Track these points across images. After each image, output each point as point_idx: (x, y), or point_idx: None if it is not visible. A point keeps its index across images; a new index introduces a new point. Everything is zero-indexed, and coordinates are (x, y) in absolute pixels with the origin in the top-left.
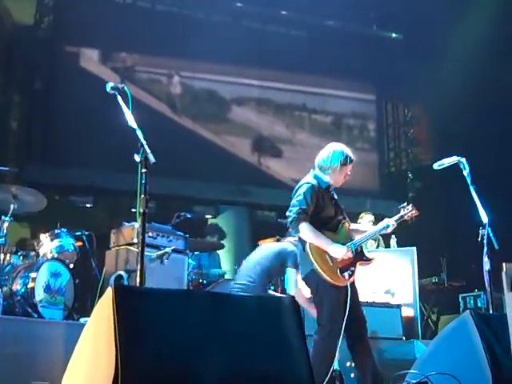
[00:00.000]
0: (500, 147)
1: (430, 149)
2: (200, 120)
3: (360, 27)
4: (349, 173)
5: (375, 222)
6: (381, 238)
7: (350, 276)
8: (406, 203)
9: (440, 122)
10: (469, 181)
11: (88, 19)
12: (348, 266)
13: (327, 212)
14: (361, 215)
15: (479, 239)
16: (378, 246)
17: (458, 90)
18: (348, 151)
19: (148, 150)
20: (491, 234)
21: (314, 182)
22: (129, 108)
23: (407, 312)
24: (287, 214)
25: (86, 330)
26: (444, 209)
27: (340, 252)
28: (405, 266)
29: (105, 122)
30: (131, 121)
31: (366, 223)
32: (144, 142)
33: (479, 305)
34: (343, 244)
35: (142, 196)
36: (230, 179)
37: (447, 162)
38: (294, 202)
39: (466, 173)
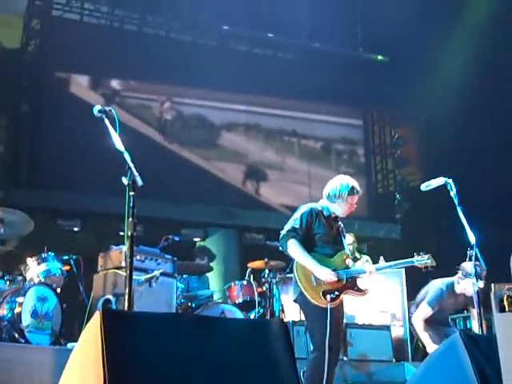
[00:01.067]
0: (488, 166)
1: (417, 170)
2: (189, 145)
3: (346, 50)
4: (355, 204)
5: (360, 243)
6: (369, 258)
7: (333, 300)
8: (423, 252)
9: (427, 143)
10: (456, 201)
11: (75, 43)
12: (333, 290)
13: (324, 238)
14: None
15: (467, 260)
16: None
17: (444, 110)
18: (355, 183)
19: (135, 173)
20: (479, 255)
21: (317, 207)
22: (116, 131)
23: (397, 334)
24: (281, 231)
25: (74, 355)
26: (432, 229)
27: (324, 274)
28: (394, 287)
29: (92, 145)
30: (118, 144)
31: (348, 243)
32: (131, 165)
33: (469, 326)
34: (335, 270)
35: (130, 219)
36: (217, 202)
37: (435, 183)
38: (290, 220)
39: (453, 193)
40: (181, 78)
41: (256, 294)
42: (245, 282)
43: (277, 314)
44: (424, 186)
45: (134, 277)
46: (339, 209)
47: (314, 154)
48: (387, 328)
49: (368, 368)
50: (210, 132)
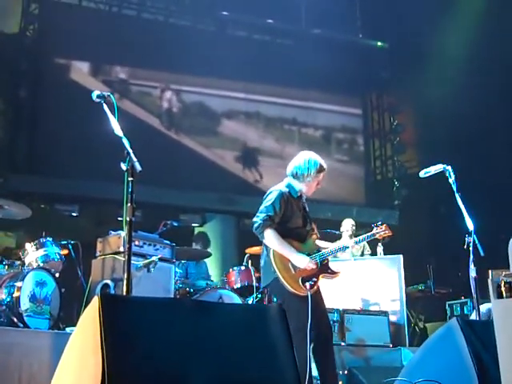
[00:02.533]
0: (486, 154)
1: (416, 156)
2: (190, 133)
3: (346, 36)
4: (321, 181)
5: (359, 229)
6: (367, 244)
7: (312, 286)
8: (379, 223)
9: (426, 129)
10: (454, 188)
11: (73, 27)
12: (310, 276)
13: (295, 222)
14: (342, 222)
15: (465, 246)
16: (363, 253)
17: (443, 97)
18: (320, 159)
19: (134, 159)
20: (477, 241)
21: (285, 190)
22: (115, 116)
23: (394, 319)
24: (254, 219)
25: (72, 340)
26: (430, 216)
27: (303, 262)
28: (391, 273)
29: (91, 131)
30: (117, 129)
31: (346, 228)
32: (130, 151)
33: (466, 312)
34: (308, 255)
35: (129, 205)
36: (216, 188)
37: (433, 169)
38: (262, 208)
39: (451, 180)
40: (180, 64)
41: (254, 279)
42: (243, 268)
43: (275, 300)
44: (423, 173)
45: (132, 262)
46: (306, 188)
47: (314, 142)
48: (384, 314)
49: (365, 353)
50: (210, 120)
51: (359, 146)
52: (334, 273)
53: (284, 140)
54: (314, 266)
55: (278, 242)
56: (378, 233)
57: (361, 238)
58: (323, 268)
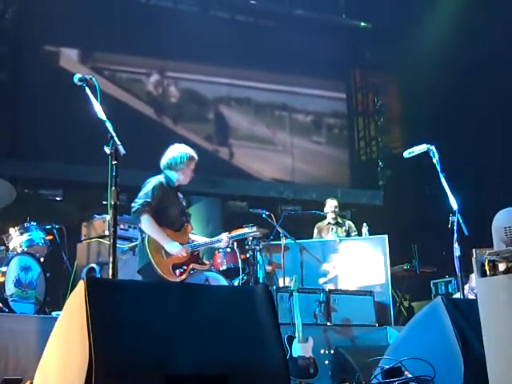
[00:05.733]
0: (469, 134)
1: (400, 137)
2: (179, 119)
3: (329, 16)
4: (193, 170)
5: (344, 209)
6: (353, 225)
7: (181, 273)
8: (251, 224)
9: (410, 110)
10: (438, 168)
11: (54, 10)
12: (181, 264)
13: (172, 211)
14: (325, 202)
15: (449, 226)
16: (348, 233)
17: (428, 77)
18: (190, 150)
19: (118, 142)
20: (461, 221)
21: (164, 180)
22: (97, 100)
23: (380, 299)
24: (132, 204)
25: (59, 324)
26: (415, 196)
27: (175, 249)
28: (377, 253)
29: (74, 114)
30: (100, 112)
31: (329, 208)
32: (114, 134)
33: (450, 290)
34: (181, 244)
35: (113, 188)
36: (201, 171)
37: (417, 149)
38: (140, 194)
39: (435, 160)
40: (167, 49)
41: (240, 261)
42: (228, 250)
43: (261, 281)
44: (407, 153)
45: (117, 245)
46: (182, 176)
47: (305, 127)
48: (370, 293)
49: (351, 332)
50: (199, 105)
51: (343, 127)
52: (203, 264)
53: (275, 126)
54: (185, 255)
55: (153, 228)
56: (248, 233)
57: (233, 234)
58: (194, 258)
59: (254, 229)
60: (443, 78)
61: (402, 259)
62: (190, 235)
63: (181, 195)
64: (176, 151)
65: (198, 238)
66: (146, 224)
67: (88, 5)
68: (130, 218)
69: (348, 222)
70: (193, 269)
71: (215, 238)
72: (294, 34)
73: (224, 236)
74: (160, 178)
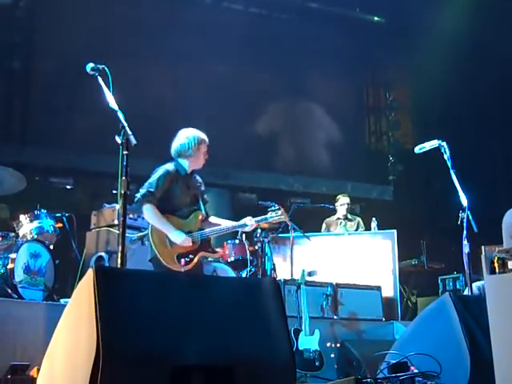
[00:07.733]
0: (481, 131)
1: (411, 132)
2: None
3: (343, 10)
4: (206, 153)
5: (353, 204)
6: (362, 222)
7: (187, 263)
8: (277, 206)
9: (422, 106)
10: (449, 164)
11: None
12: (187, 253)
13: (180, 200)
14: (337, 197)
15: (459, 222)
16: (357, 229)
17: (440, 73)
18: (199, 132)
19: (129, 132)
20: (471, 217)
21: (172, 168)
22: (109, 89)
23: (387, 294)
24: (136, 194)
25: (67, 311)
26: (424, 192)
27: (179, 238)
28: (385, 248)
29: (87, 103)
30: (112, 102)
31: (341, 205)
32: (125, 124)
33: (458, 287)
34: (190, 232)
35: (123, 178)
36: (211, 162)
37: (428, 145)
38: (146, 183)
39: (446, 156)
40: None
41: (248, 252)
42: (237, 241)
43: (268, 273)
44: (418, 149)
45: (126, 235)
46: (193, 162)
47: (316, 121)
48: (377, 288)
49: (358, 327)
50: (210, 95)
51: (355, 121)
52: (214, 252)
53: (287, 116)
54: (191, 244)
55: (156, 217)
56: (272, 217)
57: (258, 218)
58: (204, 246)
59: (279, 212)
60: (457, 74)
61: (410, 254)
62: (213, 219)
63: (198, 180)
64: (184, 137)
65: (222, 222)
66: (148, 213)
67: None
68: (133, 207)
69: (358, 219)
70: (203, 257)
71: (240, 222)
72: (307, 27)
73: (248, 220)
74: (168, 167)
